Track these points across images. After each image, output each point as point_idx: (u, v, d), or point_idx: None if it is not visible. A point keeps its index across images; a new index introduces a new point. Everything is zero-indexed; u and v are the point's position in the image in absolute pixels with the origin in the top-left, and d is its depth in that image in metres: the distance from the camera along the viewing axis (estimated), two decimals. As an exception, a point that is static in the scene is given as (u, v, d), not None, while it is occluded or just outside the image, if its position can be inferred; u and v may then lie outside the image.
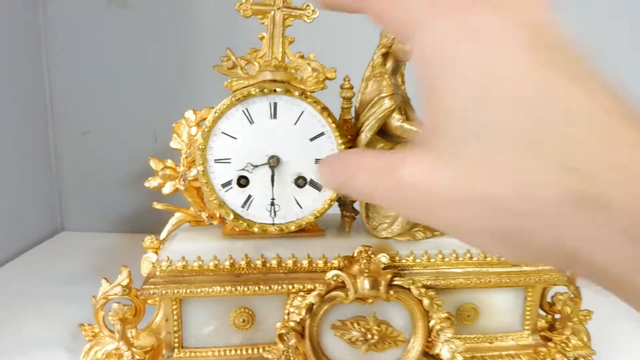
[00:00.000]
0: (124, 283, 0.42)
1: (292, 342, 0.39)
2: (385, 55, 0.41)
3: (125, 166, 0.82)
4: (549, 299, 0.47)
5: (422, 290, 0.40)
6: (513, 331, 0.45)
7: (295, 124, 0.40)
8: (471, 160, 0.16)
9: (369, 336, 0.40)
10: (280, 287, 0.40)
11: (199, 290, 0.39)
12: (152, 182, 0.44)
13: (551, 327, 0.47)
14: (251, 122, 0.39)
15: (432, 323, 0.40)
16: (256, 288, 0.40)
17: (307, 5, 0.42)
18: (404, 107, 0.43)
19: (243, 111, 0.39)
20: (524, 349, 0.45)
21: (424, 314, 0.40)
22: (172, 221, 0.45)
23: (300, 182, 0.40)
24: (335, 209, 0.44)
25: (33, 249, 0.77)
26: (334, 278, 0.39)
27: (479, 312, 0.44)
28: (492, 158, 0.15)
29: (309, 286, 0.40)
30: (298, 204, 0.41)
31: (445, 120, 0.16)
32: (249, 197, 0.41)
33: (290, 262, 0.41)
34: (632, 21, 0.77)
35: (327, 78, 0.43)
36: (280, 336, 0.39)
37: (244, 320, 0.41)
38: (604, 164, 0.14)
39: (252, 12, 0.42)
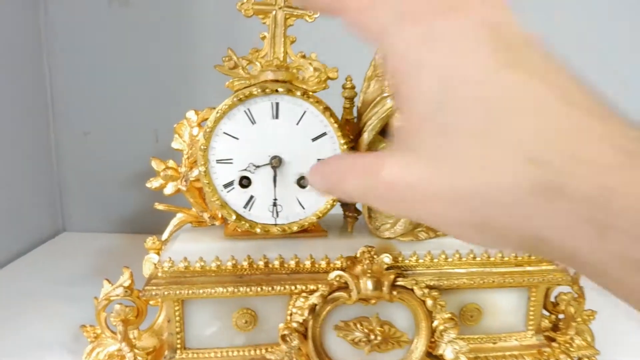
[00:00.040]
0: (126, 284, 0.42)
1: (295, 343, 0.39)
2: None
3: (126, 166, 0.82)
4: (552, 299, 0.47)
5: (425, 290, 0.40)
6: (517, 331, 0.45)
7: (297, 124, 0.39)
8: (443, 159, 0.17)
9: (372, 337, 0.40)
10: (282, 288, 0.40)
11: (201, 291, 0.39)
12: (153, 183, 0.44)
13: (555, 327, 0.47)
14: (253, 122, 0.39)
15: (435, 323, 0.40)
16: (259, 289, 0.39)
17: (309, 5, 0.42)
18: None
19: (245, 111, 0.39)
20: (528, 349, 0.44)
21: (427, 315, 0.40)
22: (174, 222, 0.45)
23: (303, 182, 0.40)
24: (338, 209, 0.43)
25: (34, 250, 0.77)
26: (337, 279, 0.39)
27: (483, 313, 0.44)
28: (461, 155, 0.16)
29: (312, 287, 0.40)
30: (300, 204, 0.41)
31: (416, 122, 0.18)
32: (251, 197, 0.40)
33: (292, 263, 0.41)
34: (632, 21, 0.77)
35: (329, 78, 0.42)
36: (283, 337, 0.39)
37: (246, 321, 0.41)
38: (568, 155, 0.15)
39: (253, 12, 0.42)
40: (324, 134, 0.40)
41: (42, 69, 0.80)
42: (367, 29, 0.19)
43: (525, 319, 0.45)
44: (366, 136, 0.41)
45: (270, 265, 0.41)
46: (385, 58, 0.19)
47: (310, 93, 0.40)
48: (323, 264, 0.41)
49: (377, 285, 0.39)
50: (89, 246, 0.77)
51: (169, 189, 0.44)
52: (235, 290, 0.39)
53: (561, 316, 0.47)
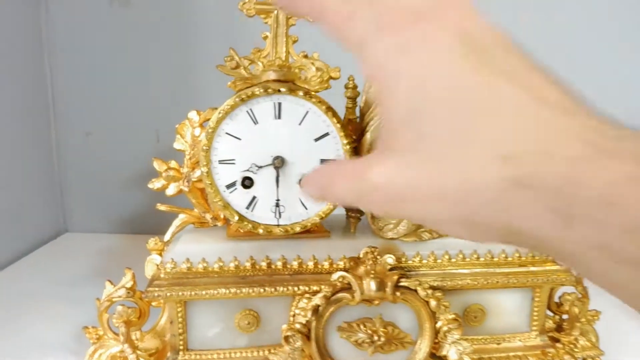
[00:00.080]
0: (128, 285, 0.41)
1: (298, 344, 0.39)
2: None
3: (128, 167, 0.82)
4: (556, 299, 0.47)
5: (429, 291, 0.40)
6: (520, 332, 0.45)
7: (299, 124, 0.39)
8: (424, 161, 0.18)
9: (376, 338, 0.40)
10: (285, 289, 0.40)
11: (203, 292, 0.39)
12: (155, 184, 0.43)
13: (559, 328, 0.46)
14: (255, 122, 0.39)
15: (439, 324, 0.40)
16: (261, 290, 0.39)
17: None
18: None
19: (247, 111, 0.39)
20: (532, 350, 0.44)
21: (431, 316, 0.40)
22: (176, 223, 0.45)
23: (305, 182, 0.40)
24: (341, 210, 0.43)
25: (36, 251, 0.76)
26: (340, 279, 0.39)
27: (486, 313, 0.44)
28: (440, 157, 0.17)
29: (315, 288, 0.40)
30: (303, 205, 0.41)
31: (397, 128, 0.19)
32: (254, 198, 0.40)
33: (295, 264, 0.41)
34: (632, 21, 0.76)
35: (331, 77, 0.42)
36: (286, 338, 0.39)
37: (249, 323, 0.41)
38: (537, 150, 0.16)
39: (255, 12, 0.42)
40: (327, 134, 0.40)
41: (44, 69, 0.80)
42: (346, 39, 0.20)
43: (529, 319, 0.45)
44: (369, 136, 0.41)
45: (272, 266, 0.41)
46: (364, 67, 0.20)
47: (313, 93, 0.39)
48: (326, 264, 0.41)
49: (381, 286, 0.39)
50: (91, 247, 0.77)
51: (171, 190, 0.43)
52: (238, 291, 0.39)
53: (565, 316, 0.47)
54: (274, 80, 0.39)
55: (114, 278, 0.43)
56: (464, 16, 0.19)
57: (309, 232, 0.42)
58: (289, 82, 0.39)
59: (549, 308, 0.46)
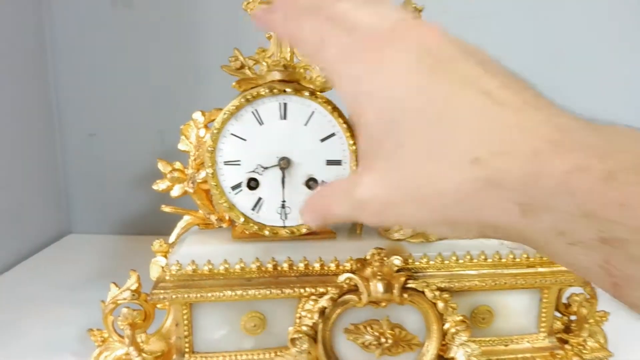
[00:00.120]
0: (133, 287, 0.41)
1: (305, 346, 0.38)
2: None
3: (132, 168, 0.82)
4: (564, 300, 0.46)
5: (437, 293, 0.39)
6: (529, 333, 0.44)
7: (305, 124, 0.39)
8: (401, 170, 0.20)
9: (383, 340, 0.40)
10: (292, 291, 0.39)
11: (209, 294, 0.39)
12: (160, 185, 0.43)
13: (567, 329, 0.46)
14: (261, 123, 0.39)
15: (446, 326, 0.40)
16: (267, 292, 0.39)
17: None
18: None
19: (252, 112, 0.39)
20: (540, 351, 0.44)
21: (439, 317, 0.40)
22: (181, 224, 0.44)
23: (311, 183, 0.39)
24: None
25: (40, 252, 0.76)
26: (347, 281, 0.39)
27: (494, 315, 0.43)
28: (415, 165, 0.19)
29: (321, 289, 0.39)
30: (309, 206, 0.40)
31: (375, 144, 0.21)
32: (259, 199, 0.40)
33: (301, 265, 0.40)
34: (632, 21, 0.76)
35: (337, 77, 0.42)
36: (293, 340, 0.38)
37: (255, 325, 0.41)
38: (500, 151, 0.17)
39: (260, 11, 0.42)
40: (333, 134, 0.39)
41: (47, 70, 0.80)
42: (319, 65, 0.23)
43: (537, 320, 0.44)
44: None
45: (279, 268, 0.40)
46: (338, 91, 0.22)
47: (318, 93, 0.39)
48: (332, 266, 0.41)
49: (388, 288, 0.38)
50: (95, 248, 0.77)
51: (175, 191, 0.43)
52: (244, 293, 0.39)
53: (573, 318, 0.46)
54: (279, 81, 0.39)
55: (118, 280, 0.42)
56: (423, 34, 0.20)
57: (315, 233, 0.42)
58: (294, 82, 0.39)
59: (557, 309, 0.46)
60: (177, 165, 0.43)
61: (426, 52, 0.20)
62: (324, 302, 0.38)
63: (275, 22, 0.25)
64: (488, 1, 0.75)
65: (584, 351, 0.44)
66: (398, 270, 0.40)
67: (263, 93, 0.38)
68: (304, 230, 0.41)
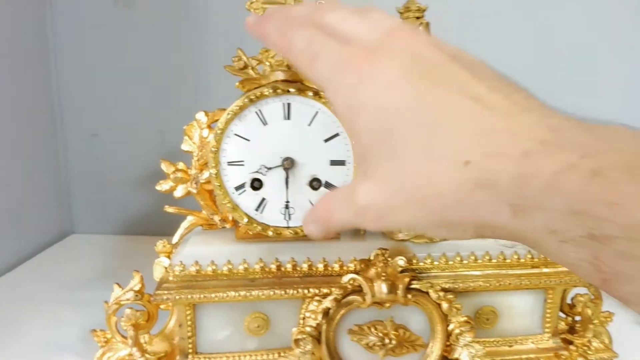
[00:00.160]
0: (136, 288, 0.41)
1: (309, 347, 0.38)
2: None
3: (135, 168, 0.82)
4: (569, 301, 0.46)
5: (441, 293, 0.39)
6: (533, 334, 0.44)
7: (309, 124, 0.39)
8: (400, 175, 0.20)
9: (387, 341, 0.40)
10: (295, 292, 0.39)
11: (213, 295, 0.38)
12: (163, 186, 0.43)
13: (572, 330, 0.46)
14: (264, 123, 0.39)
15: (451, 327, 0.39)
16: (271, 292, 0.39)
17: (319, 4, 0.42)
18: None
19: (256, 112, 0.38)
20: (545, 352, 0.44)
21: (443, 318, 0.40)
22: (184, 225, 0.44)
23: (315, 184, 0.39)
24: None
25: (42, 252, 0.76)
26: (351, 282, 0.39)
27: (498, 315, 0.43)
28: (410, 170, 0.20)
29: (325, 290, 0.39)
30: (313, 206, 0.40)
31: (370, 152, 0.21)
32: (263, 200, 0.40)
33: (305, 266, 0.40)
34: (632, 21, 0.76)
35: (340, 77, 0.42)
36: (297, 341, 0.38)
37: (258, 326, 0.40)
38: (491, 153, 0.17)
39: (263, 11, 0.41)
40: (337, 134, 0.39)
41: (49, 70, 0.80)
42: (313, 77, 0.23)
43: (542, 321, 0.44)
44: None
45: (282, 269, 0.40)
46: (332, 102, 0.23)
47: (322, 93, 0.39)
48: (336, 267, 0.41)
49: (392, 289, 0.38)
50: (98, 248, 0.77)
51: (179, 192, 0.43)
52: (247, 294, 0.39)
53: (578, 318, 0.46)
54: (283, 81, 0.39)
55: (121, 280, 0.42)
56: (411, 43, 0.21)
57: (319, 233, 0.41)
58: (297, 82, 0.39)
59: (562, 310, 0.46)
60: (181, 165, 0.43)
61: (415, 60, 0.20)
62: (327, 302, 0.38)
63: (268, 32, 0.25)
64: (488, 1, 0.74)
65: (589, 352, 0.44)
66: (402, 271, 0.39)
67: (267, 93, 0.38)
68: (307, 231, 0.40)
